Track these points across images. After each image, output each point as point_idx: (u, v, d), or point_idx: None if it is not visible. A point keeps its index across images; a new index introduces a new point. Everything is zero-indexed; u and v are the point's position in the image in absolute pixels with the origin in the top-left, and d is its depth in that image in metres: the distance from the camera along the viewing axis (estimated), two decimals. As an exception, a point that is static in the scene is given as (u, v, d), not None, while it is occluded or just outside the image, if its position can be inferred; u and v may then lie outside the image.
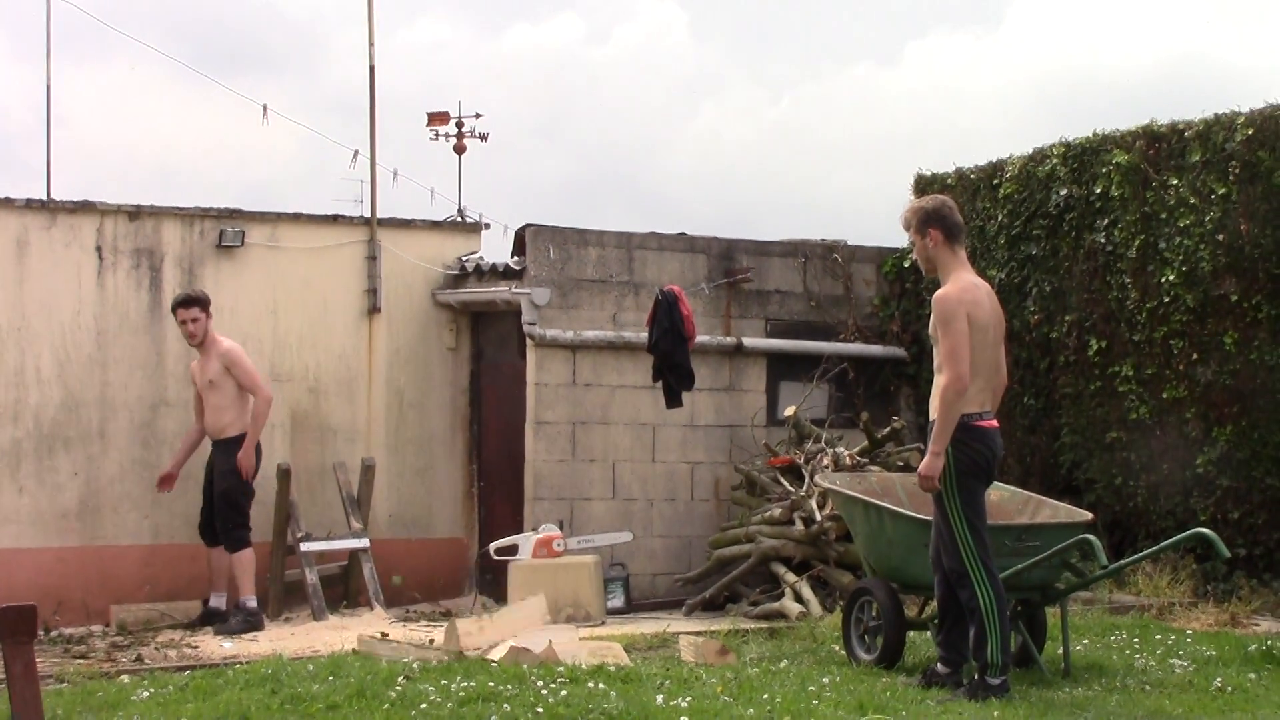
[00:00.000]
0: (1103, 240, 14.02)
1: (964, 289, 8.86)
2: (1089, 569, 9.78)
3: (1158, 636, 10.90)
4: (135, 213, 14.42)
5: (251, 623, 13.22)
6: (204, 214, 14.67)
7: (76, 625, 13.58)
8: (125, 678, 10.16)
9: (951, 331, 8.71)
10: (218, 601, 13.70)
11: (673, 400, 14.30)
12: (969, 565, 8.72)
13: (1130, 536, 13.84)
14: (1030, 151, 14.91)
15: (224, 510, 13.44)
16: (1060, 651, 9.67)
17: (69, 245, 14.16)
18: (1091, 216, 14.14)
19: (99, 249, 14.27)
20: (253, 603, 13.39)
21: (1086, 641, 10.65)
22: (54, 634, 13.02)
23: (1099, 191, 14.03)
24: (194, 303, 13.51)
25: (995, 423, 8.92)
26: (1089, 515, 9.98)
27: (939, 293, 8.89)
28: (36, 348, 13.99)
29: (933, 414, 8.83)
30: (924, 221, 9.06)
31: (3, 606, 6.39)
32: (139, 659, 11.75)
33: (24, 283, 13.96)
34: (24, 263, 13.98)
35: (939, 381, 8.79)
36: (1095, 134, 14.25)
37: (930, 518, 9.14)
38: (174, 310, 13.62)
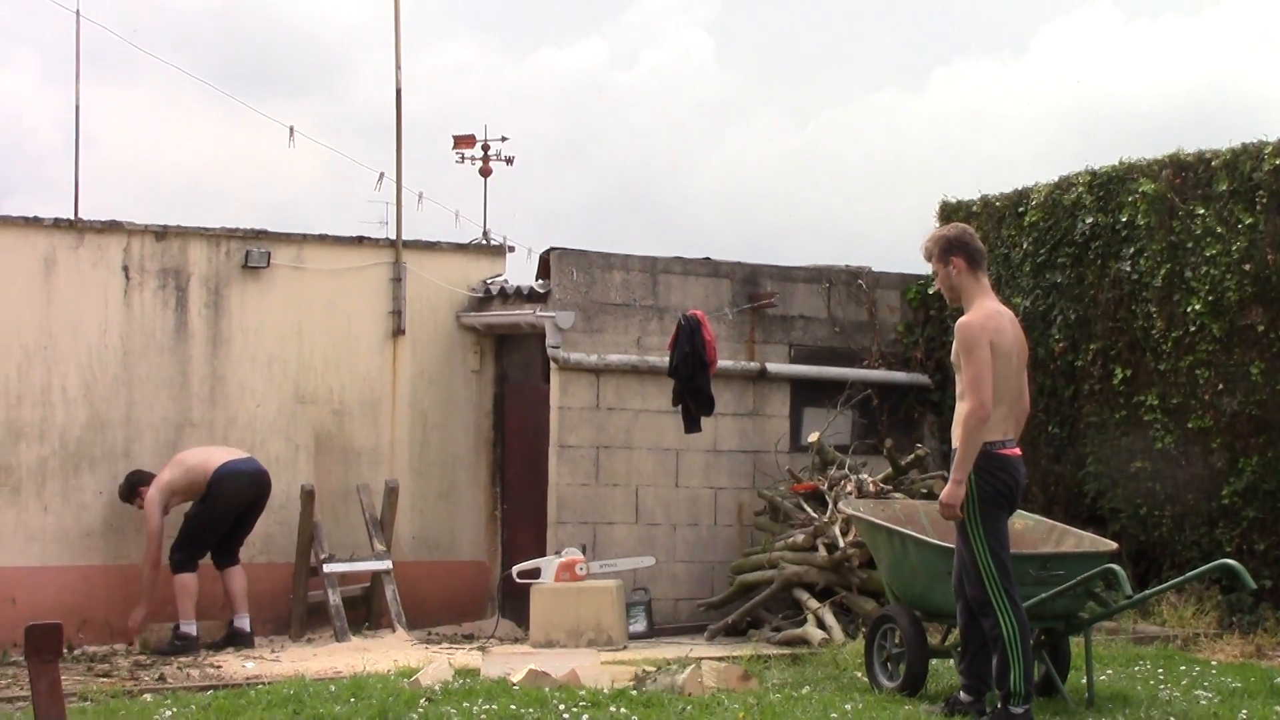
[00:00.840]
0: (1128, 269, 14.00)
1: (987, 316, 8.86)
2: (1113, 599, 9.75)
3: (1182, 668, 10.86)
4: (162, 233, 14.47)
5: (180, 648, 13.40)
6: (230, 234, 14.71)
7: (100, 644, 13.61)
8: (148, 697, 10.19)
9: (974, 359, 8.70)
10: (241, 622, 13.73)
11: (692, 425, 14.29)
12: (992, 593, 8.70)
13: (1155, 567, 13.79)
14: (1056, 179, 14.90)
15: (181, 530, 13.81)
16: (1084, 681, 9.63)
17: (96, 265, 14.21)
18: (1117, 245, 14.12)
19: (126, 269, 14.32)
20: (185, 627, 13.59)
21: (1110, 671, 10.61)
22: (77, 652, 13.05)
23: (1125, 220, 14.01)
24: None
25: (1018, 451, 8.90)
26: (1114, 545, 9.96)
27: (962, 320, 8.88)
28: (63, 367, 14.04)
29: (955, 441, 8.81)
30: (946, 250, 9.05)
31: (29, 625, 6.41)
32: (162, 678, 11.77)
33: (51, 302, 14.01)
34: (51, 282, 14.02)
35: (961, 409, 8.78)
36: (1121, 162, 14.24)
37: (953, 545, 9.12)
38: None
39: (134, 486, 13.83)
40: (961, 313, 9.01)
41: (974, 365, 8.69)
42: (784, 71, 40.68)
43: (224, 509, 13.75)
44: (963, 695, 9.03)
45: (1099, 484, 14.38)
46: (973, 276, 9.02)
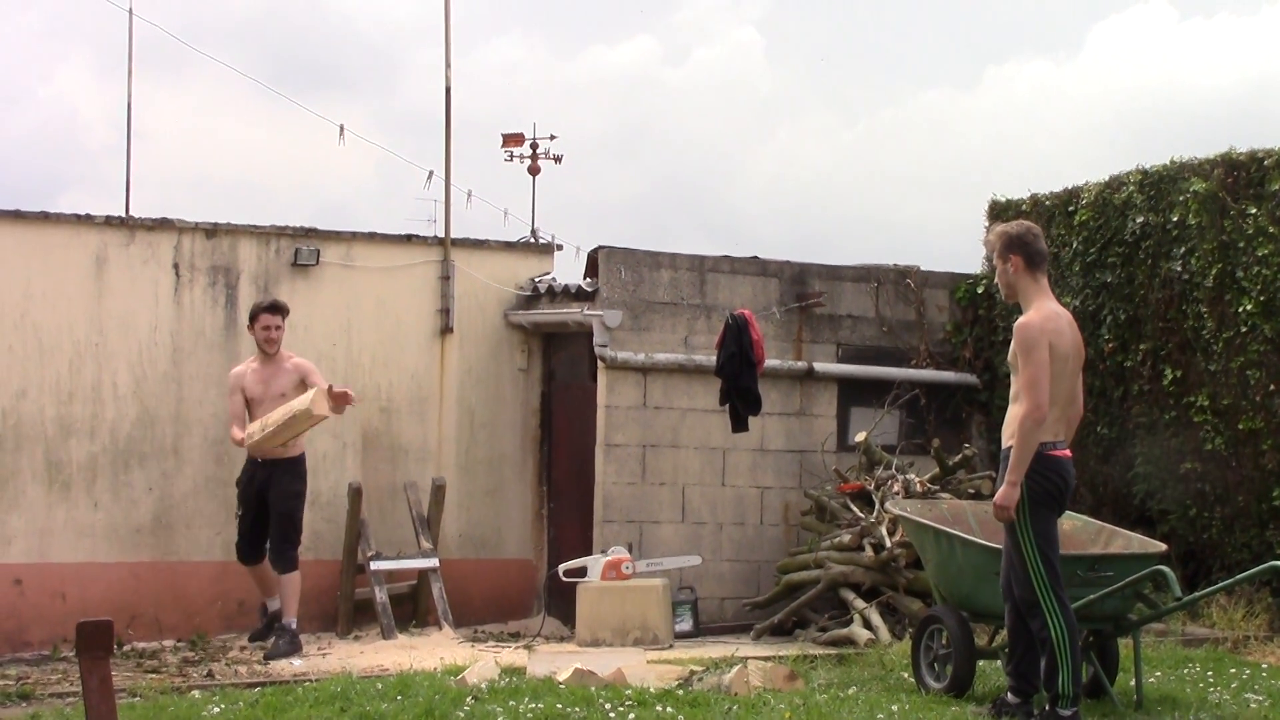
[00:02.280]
0: (1179, 269, 13.90)
1: (1046, 317, 8.82)
2: (1162, 600, 9.70)
3: (1232, 670, 10.78)
4: (212, 230, 14.55)
5: (296, 644, 13.05)
6: (280, 232, 14.78)
7: (149, 640, 13.69)
8: (196, 693, 10.24)
9: (1032, 360, 8.66)
10: (275, 604, 13.46)
11: (738, 425, 14.27)
12: (1041, 595, 8.66)
13: (1204, 569, 13.70)
14: (1106, 178, 14.81)
15: (286, 529, 13.20)
16: (1132, 684, 9.58)
17: (147, 262, 14.30)
18: (1168, 245, 14.03)
19: (176, 266, 14.40)
20: (294, 623, 13.21)
21: (1159, 674, 10.55)
22: (127, 648, 13.13)
23: (1176, 219, 13.91)
24: (280, 310, 13.37)
25: (1069, 452, 8.87)
26: (1163, 546, 9.89)
27: (1021, 320, 8.84)
28: (114, 364, 14.13)
29: (1006, 442, 8.78)
30: (1006, 246, 9.02)
31: (80, 621, 6.45)
32: (210, 675, 11.84)
33: (102, 299, 14.10)
34: (103, 279, 14.12)
35: (1015, 410, 8.74)
36: (1173, 161, 14.14)
37: (1001, 546, 9.09)
38: (256, 315, 13.35)
39: (287, 313, 13.51)
40: (1013, 312, 8.99)
41: (1032, 366, 8.66)
42: (835, 70, 40.63)
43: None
44: (1010, 696, 9.00)
45: (1148, 485, 14.29)
46: (1030, 276, 8.98)
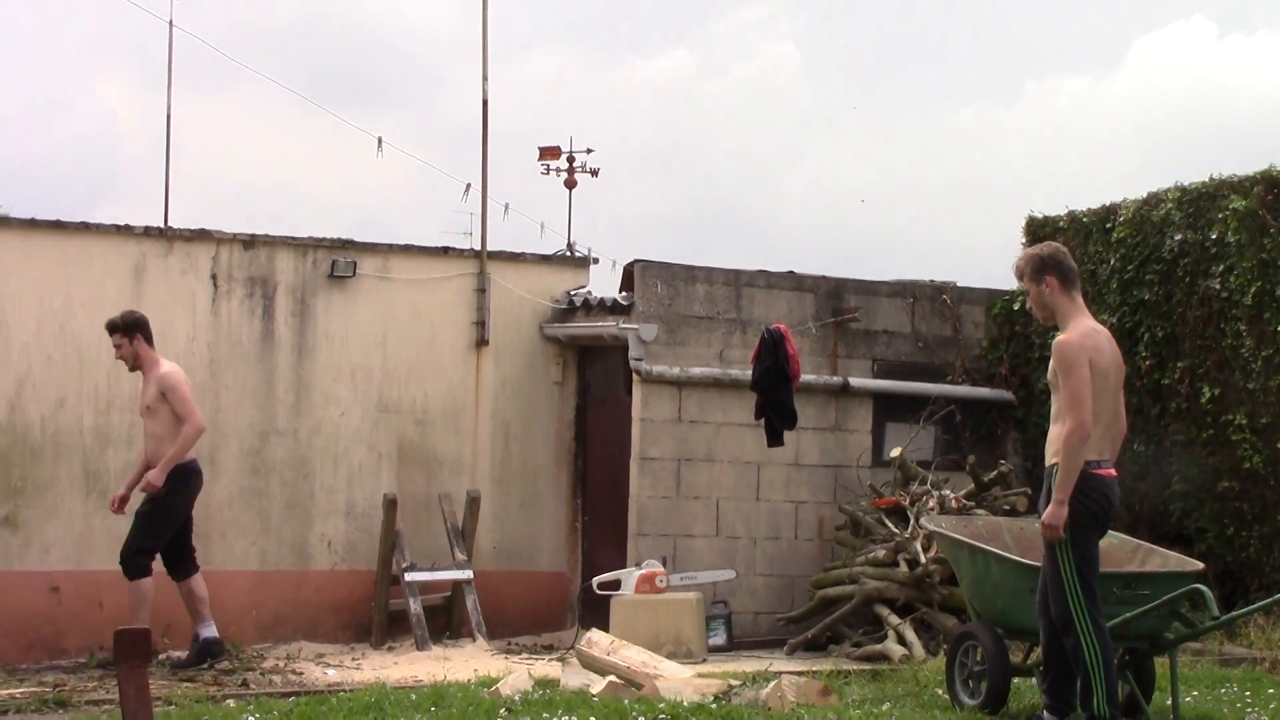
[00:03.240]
0: (1217, 286, 13.85)
1: (1085, 334, 8.78)
2: (1199, 619, 9.64)
3: (1270, 690, 10.71)
4: (250, 242, 14.61)
5: (211, 649, 12.69)
6: (317, 244, 14.83)
7: (184, 649, 13.71)
8: (231, 702, 10.26)
9: (1074, 378, 8.61)
10: (209, 631, 12.91)
11: (774, 439, 14.26)
12: (1075, 614, 8.62)
13: (1242, 588, 13.63)
14: (1145, 195, 14.77)
15: (138, 533, 12.70)
16: (1169, 703, 9.52)
17: (185, 273, 14.37)
18: (1206, 262, 13.98)
19: (214, 277, 14.46)
20: (212, 631, 12.82)
21: (1196, 693, 10.49)
22: (162, 657, 13.16)
23: (1214, 237, 13.86)
24: (114, 329, 12.86)
25: (1114, 471, 8.81)
26: (1200, 565, 9.83)
27: (1060, 338, 8.81)
28: (151, 373, 14.16)
29: (1050, 459, 8.73)
30: (1039, 269, 8.98)
31: (118, 629, 6.49)
32: (244, 684, 11.87)
33: (141, 309, 14.12)
34: (141, 290, 14.19)
35: (1057, 429, 8.70)
36: (1212, 178, 14.09)
37: (1036, 563, 9.06)
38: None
39: (130, 328, 12.90)
40: (1049, 330, 8.96)
41: (1073, 384, 8.61)
42: (873, 84, 40.58)
43: (187, 506, 13.00)
44: (1046, 715, 8.96)
45: (1185, 503, 14.23)
46: (1066, 295, 8.94)
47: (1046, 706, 8.98)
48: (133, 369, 13.02)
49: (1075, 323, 8.86)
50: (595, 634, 10.74)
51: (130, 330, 12.85)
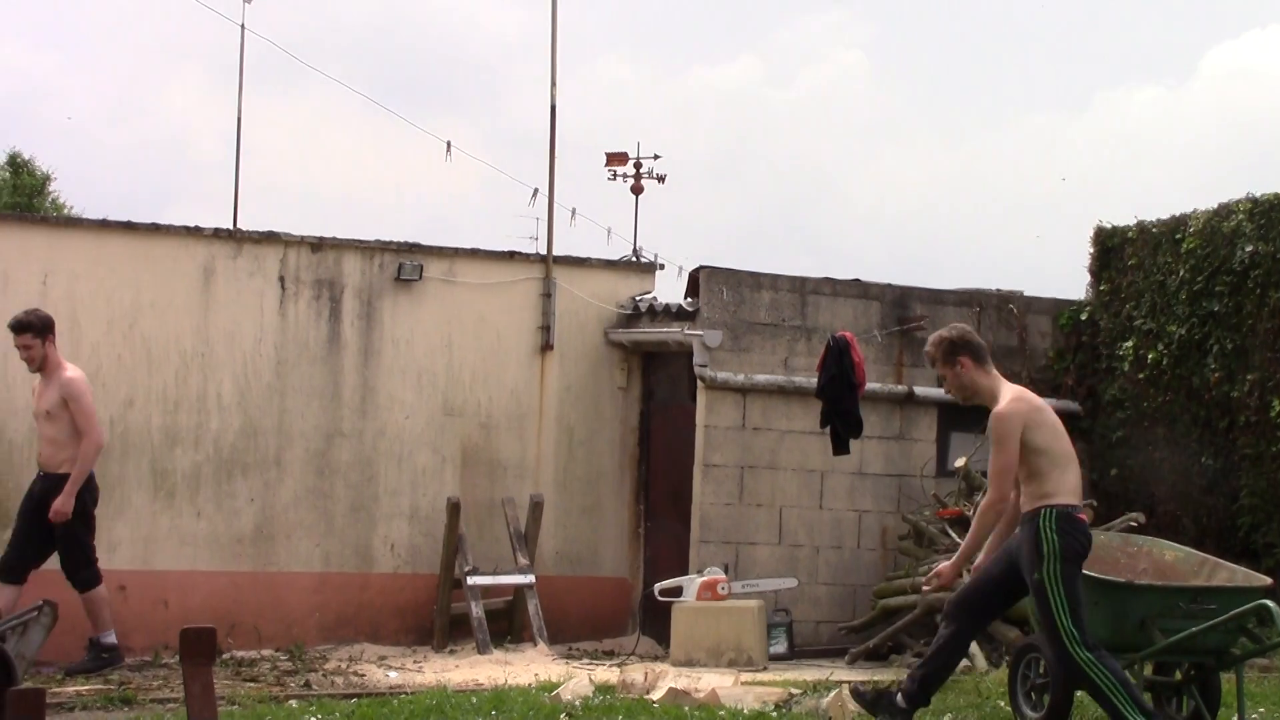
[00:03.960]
0: (1288, 299, 13.71)
1: (1017, 399, 8.83)
2: (1266, 635, 9.54)
3: (1337, 708, 10.59)
4: (318, 244, 14.70)
5: (107, 659, 12.28)
6: (384, 247, 14.91)
7: (248, 649, 13.82)
8: (294, 703, 10.33)
9: (1005, 451, 8.69)
10: (109, 637, 12.42)
11: (840, 447, 14.21)
12: (1074, 651, 8.59)
13: (1310, 603, 13.47)
14: (1215, 206, 14.64)
15: (69, 551, 12.29)
16: (1235, 719, 9.44)
17: (253, 275, 14.47)
18: (1278, 274, 13.84)
19: (282, 279, 14.56)
20: (110, 638, 12.33)
21: (1263, 710, 10.38)
22: (226, 656, 13.26)
23: (1286, 249, 13.72)
24: (24, 329, 12.31)
25: (1086, 516, 8.99)
26: (1268, 580, 9.73)
27: (996, 411, 8.84)
28: (219, 375, 14.30)
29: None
30: (950, 352, 9.04)
31: (184, 628, 6.54)
32: (307, 685, 11.94)
33: (209, 310, 14.28)
34: (210, 291, 14.30)
35: (1028, 490, 8.76)
36: (1284, 190, 13.97)
37: (1107, 577, 9.04)
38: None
39: (39, 328, 12.32)
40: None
41: (1003, 458, 8.70)
42: (942, 92, 40.42)
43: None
44: (899, 698, 9.02)
45: (1253, 517, 14.09)
46: (982, 370, 8.99)
47: (901, 690, 9.01)
48: (36, 370, 12.45)
49: (1003, 390, 8.91)
50: (630, 674, 10.65)
51: (44, 331, 12.32)
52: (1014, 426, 8.73)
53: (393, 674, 12.73)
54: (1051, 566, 8.65)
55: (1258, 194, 14.23)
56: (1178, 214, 15.09)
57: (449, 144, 16.77)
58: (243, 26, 15.78)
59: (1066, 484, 8.72)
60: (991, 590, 9.06)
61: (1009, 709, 10.03)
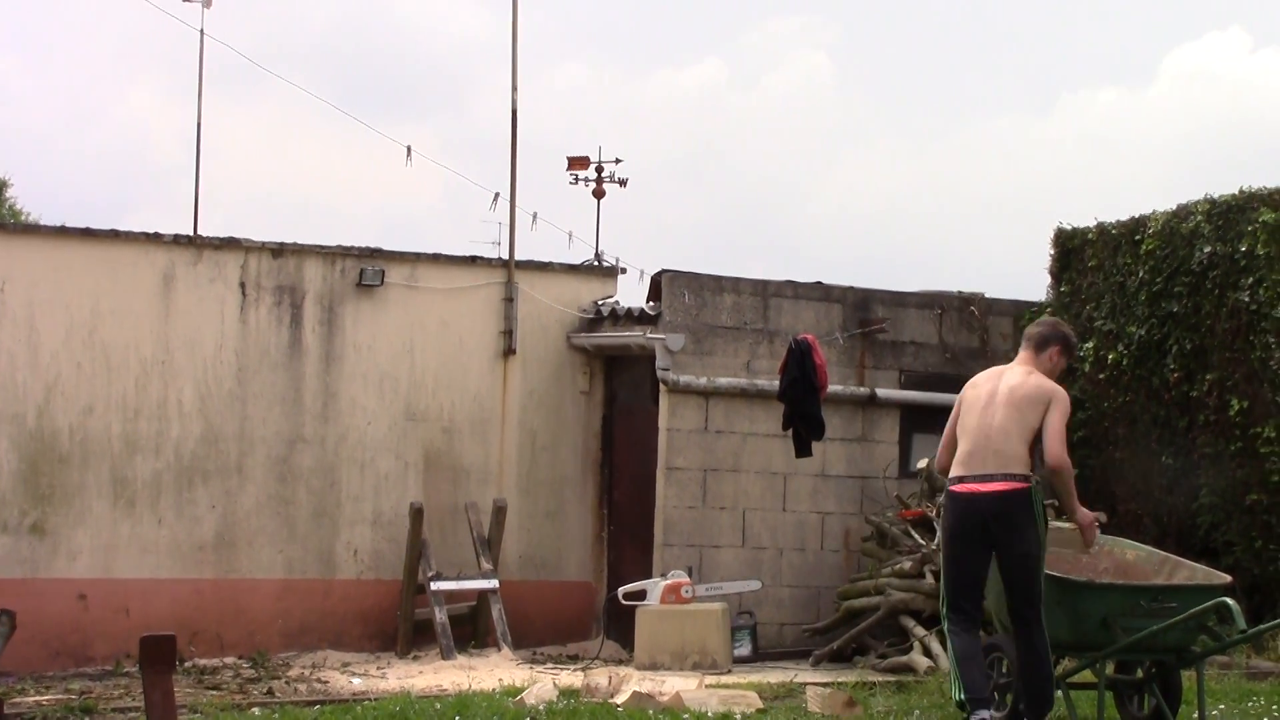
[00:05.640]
0: (1247, 299, 13.79)
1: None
2: (1226, 633, 9.59)
3: (1297, 704, 10.66)
4: (279, 250, 14.66)
5: None
6: (345, 253, 14.88)
7: (210, 657, 13.77)
8: (256, 710, 10.29)
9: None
10: None
11: (802, 450, 14.24)
12: (941, 613, 9.19)
13: (1270, 601, 13.55)
14: (1174, 208, 14.71)
15: None
16: (1195, 716, 9.48)
17: (214, 281, 14.42)
18: (1236, 275, 13.92)
19: (243, 285, 14.51)
20: None
21: (1223, 707, 10.43)
22: (188, 664, 13.21)
23: (1244, 249, 13.80)
24: None
25: (974, 487, 9.02)
26: (1227, 578, 9.78)
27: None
28: (179, 381, 14.25)
29: None
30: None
31: (144, 636, 6.51)
32: (270, 692, 11.90)
33: (169, 317, 14.23)
34: (170, 297, 14.25)
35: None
36: (1241, 191, 14.04)
37: (1067, 576, 9.12)
38: None
39: None
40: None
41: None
42: (906, 95, 40.54)
43: None
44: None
45: (1213, 516, 14.16)
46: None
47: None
48: None
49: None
50: (594, 678, 10.65)
51: None
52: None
53: (356, 680, 12.69)
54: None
55: (1216, 195, 14.30)
56: (1137, 215, 15.15)
57: (409, 149, 16.70)
58: (202, 32, 15.70)
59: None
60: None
61: (972, 709, 10.05)
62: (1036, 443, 9.13)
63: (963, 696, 8.93)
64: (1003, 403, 9.21)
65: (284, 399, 14.55)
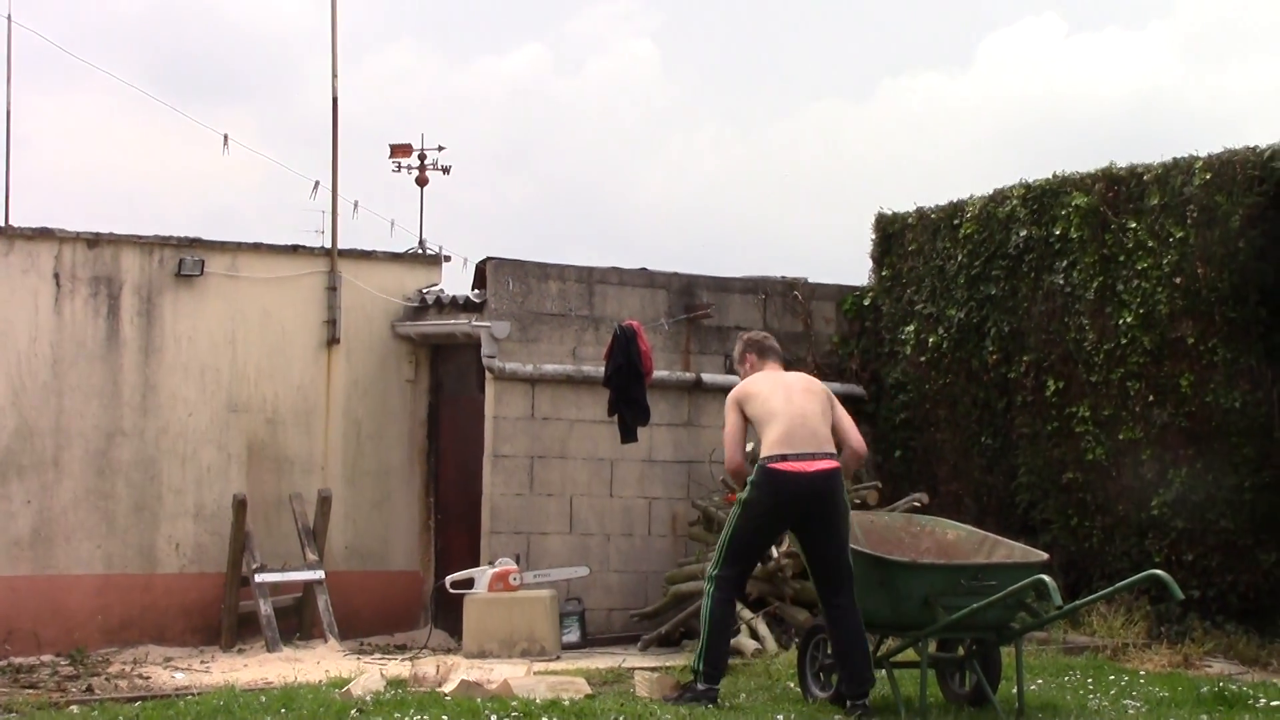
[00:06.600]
0: (1061, 282, 14.09)
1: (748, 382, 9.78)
2: (1044, 609, 9.79)
3: (1111, 677, 10.92)
4: (94, 240, 14.37)
5: None
6: (164, 243, 14.62)
7: (27, 655, 13.47)
8: (75, 708, 10.07)
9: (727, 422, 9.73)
10: None
11: (628, 435, 14.28)
12: (709, 576, 9.51)
13: (1085, 577, 13.87)
14: (991, 192, 14.98)
15: None
16: (1014, 691, 9.67)
17: (26, 272, 14.10)
18: (1050, 258, 14.22)
19: (57, 276, 14.20)
20: None
21: (1041, 681, 10.66)
22: (3, 664, 12.91)
23: (1058, 233, 14.10)
24: None
25: (792, 466, 9.30)
26: (1044, 555, 9.99)
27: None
28: (-9, 374, 13.91)
29: None
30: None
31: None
32: (89, 689, 11.67)
33: (-20, 309, 13.87)
34: (-20, 289, 13.89)
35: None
36: (1055, 175, 14.33)
37: (888, 556, 9.23)
38: None
39: None
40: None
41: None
42: (731, 81, 40.70)
43: None
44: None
45: (1031, 495, 14.46)
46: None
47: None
48: None
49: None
50: (421, 667, 10.58)
51: None
52: (729, 403, 9.80)
53: (179, 675, 12.50)
54: (739, 505, 9.49)
55: (1031, 180, 14.59)
56: (956, 200, 15.41)
57: (226, 136, 16.43)
58: (9, 18, 15.28)
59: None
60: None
61: (799, 690, 10.17)
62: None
63: (700, 667, 9.40)
64: (801, 390, 9.62)
65: (102, 391, 14.26)
